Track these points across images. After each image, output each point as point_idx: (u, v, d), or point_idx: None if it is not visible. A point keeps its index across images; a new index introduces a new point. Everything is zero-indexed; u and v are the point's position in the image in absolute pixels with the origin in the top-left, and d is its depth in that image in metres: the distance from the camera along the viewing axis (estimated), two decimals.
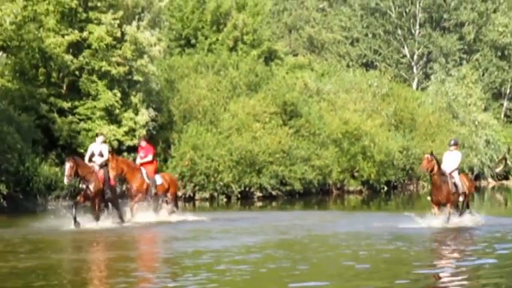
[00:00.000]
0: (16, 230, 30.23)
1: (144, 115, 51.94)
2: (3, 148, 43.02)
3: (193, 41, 68.52)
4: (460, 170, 31.71)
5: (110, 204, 31.30)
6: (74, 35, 50.05)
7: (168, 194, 34.26)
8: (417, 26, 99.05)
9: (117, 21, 50.97)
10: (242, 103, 59.70)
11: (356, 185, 67.56)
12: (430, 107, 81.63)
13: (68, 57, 49.75)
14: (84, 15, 50.93)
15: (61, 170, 47.73)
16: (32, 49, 49.23)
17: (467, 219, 30.55)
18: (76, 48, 50.48)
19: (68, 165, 28.54)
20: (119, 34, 51.26)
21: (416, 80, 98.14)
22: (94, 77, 50.54)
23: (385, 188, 69.36)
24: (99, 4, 51.04)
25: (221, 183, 55.55)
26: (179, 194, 55.46)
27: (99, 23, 50.64)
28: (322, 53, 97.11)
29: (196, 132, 56.07)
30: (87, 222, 29.43)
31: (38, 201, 45.37)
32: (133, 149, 51.36)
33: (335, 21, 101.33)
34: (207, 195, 55.36)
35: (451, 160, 30.02)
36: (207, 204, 52.41)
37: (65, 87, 50.67)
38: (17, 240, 26.15)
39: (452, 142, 31.01)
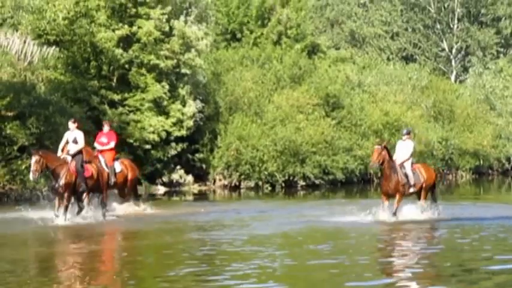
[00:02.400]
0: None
1: (192, 107, 51.86)
2: (56, 138, 42.89)
3: (238, 35, 68.37)
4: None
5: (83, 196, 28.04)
6: (124, 30, 50.10)
7: (128, 181, 31.92)
8: (455, 21, 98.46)
9: (166, 16, 50.95)
10: (286, 95, 59.45)
11: None
12: (468, 99, 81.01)
13: (118, 51, 49.78)
14: (134, 10, 50.88)
15: None
16: (84, 43, 49.35)
17: (419, 212, 28.87)
18: (126, 42, 50.46)
19: (33, 160, 25.74)
20: (167, 28, 51.22)
21: (454, 72, 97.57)
22: (143, 70, 50.49)
23: None
24: (147, 0, 50.93)
25: (266, 173, 55.34)
26: (225, 183, 55.76)
27: (148, 18, 50.63)
28: (364, 47, 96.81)
29: (242, 123, 55.91)
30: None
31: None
32: (181, 139, 51.54)
33: (376, 15, 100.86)
34: (252, 184, 55.25)
35: (403, 150, 28.63)
36: (252, 193, 52.16)
37: (115, 80, 50.61)
38: None
39: (405, 131, 29.65)
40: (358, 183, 60.76)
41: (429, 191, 29.29)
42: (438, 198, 29.94)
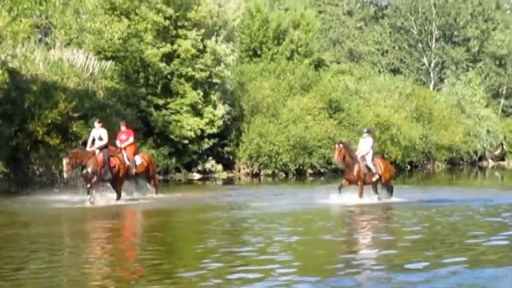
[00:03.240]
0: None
1: (221, 109, 51.90)
2: (112, 134, 42.87)
3: (259, 52, 68.14)
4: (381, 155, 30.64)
5: (109, 183, 27.63)
6: (166, 48, 50.01)
7: (149, 172, 30.93)
8: (433, 41, 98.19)
9: (200, 37, 50.76)
10: (297, 100, 59.34)
11: None
12: (443, 104, 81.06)
13: (162, 65, 49.74)
14: (175, 32, 50.76)
15: (157, 152, 47.96)
16: (134, 58, 49.41)
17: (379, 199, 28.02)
18: (168, 57, 50.30)
19: (64, 162, 25.18)
20: (201, 47, 51.02)
21: (432, 82, 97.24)
22: (182, 80, 50.43)
23: (409, 167, 68.98)
24: (186, 23, 50.79)
25: (280, 163, 55.34)
26: (248, 171, 55.67)
27: (186, 38, 50.45)
28: (360, 62, 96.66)
29: (261, 123, 55.81)
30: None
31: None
32: (213, 136, 51.58)
33: (369, 36, 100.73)
34: (269, 172, 55.32)
35: (364, 146, 28.06)
36: (270, 179, 52.17)
37: (159, 88, 50.56)
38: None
39: (365, 130, 29.12)
40: None
41: (387, 182, 28.62)
42: (392, 188, 29.07)
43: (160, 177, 47.41)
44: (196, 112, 50.68)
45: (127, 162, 27.98)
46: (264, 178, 52.91)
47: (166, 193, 32.68)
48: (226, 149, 54.70)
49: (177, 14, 50.52)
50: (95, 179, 25.29)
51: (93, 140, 26.73)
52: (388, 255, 13.85)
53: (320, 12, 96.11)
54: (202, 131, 50.81)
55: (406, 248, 15.11)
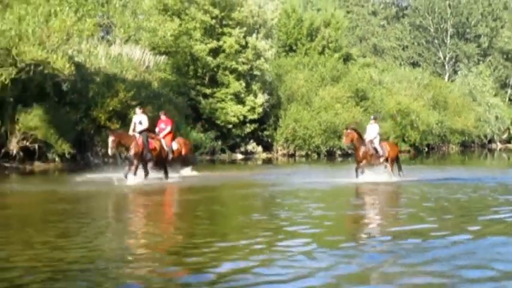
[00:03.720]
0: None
1: (261, 98, 51.71)
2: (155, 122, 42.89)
3: (294, 48, 67.60)
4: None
5: (149, 164, 26.44)
6: (213, 44, 49.79)
7: (184, 154, 29.64)
8: (448, 37, 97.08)
9: (242, 34, 50.44)
10: (328, 90, 58.91)
11: (406, 146, 66.64)
12: (457, 93, 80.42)
13: (209, 59, 49.53)
14: (220, 30, 50.49)
15: (205, 136, 47.85)
16: (185, 53, 49.32)
17: (385, 177, 27.39)
18: (214, 52, 50.06)
19: (110, 139, 24.36)
20: (243, 43, 50.73)
21: (447, 74, 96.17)
22: (226, 72, 50.26)
23: (426, 149, 68.56)
24: (230, 22, 50.52)
25: (313, 145, 54.95)
26: (284, 152, 55.38)
27: (230, 35, 50.17)
28: (383, 56, 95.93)
29: (296, 110, 55.45)
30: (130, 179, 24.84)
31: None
32: (254, 121, 51.49)
33: (391, 33, 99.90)
34: (303, 153, 55.00)
35: (371, 131, 27.53)
36: (303, 159, 51.91)
37: (207, 79, 50.41)
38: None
39: (372, 117, 28.59)
40: None
41: (395, 162, 28.05)
42: (402, 167, 28.35)
43: (207, 157, 47.37)
44: (239, 100, 50.56)
45: (165, 148, 27.48)
46: (299, 158, 52.66)
47: (213, 171, 32.43)
48: (266, 132, 54.56)
49: (222, 14, 50.25)
50: (136, 161, 24.83)
51: (135, 124, 26.28)
52: (416, 228, 13.37)
53: (348, 12, 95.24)
54: (245, 117, 50.77)
55: (426, 220, 14.59)
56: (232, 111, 49.58)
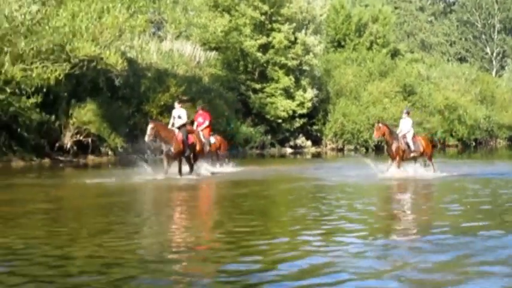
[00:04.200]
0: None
1: (310, 93, 51.35)
2: (216, 114, 42.75)
3: (342, 43, 66.95)
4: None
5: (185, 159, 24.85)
6: (262, 39, 49.48)
7: (220, 151, 29.19)
8: (495, 33, 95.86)
9: (292, 30, 50.05)
10: (376, 85, 58.30)
11: (453, 141, 65.91)
12: (504, 88, 79.43)
13: (259, 54, 49.22)
14: (270, 26, 50.14)
15: (254, 130, 47.57)
16: (235, 49, 49.06)
17: (421, 172, 26.46)
18: (264, 48, 49.74)
19: (149, 127, 23.18)
20: (292, 38, 50.36)
21: (495, 69, 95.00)
22: (276, 67, 49.93)
23: (474, 144, 67.58)
24: (279, 18, 50.12)
25: (361, 139, 54.31)
26: (333, 146, 54.91)
27: (280, 31, 49.78)
28: (430, 51, 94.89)
29: (345, 105, 54.98)
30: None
31: (239, 150, 45.08)
32: (303, 116, 51.24)
33: (439, 29, 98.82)
34: (352, 147, 54.46)
35: (404, 125, 26.56)
36: (352, 153, 51.30)
37: (256, 74, 50.12)
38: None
39: (404, 111, 27.47)
40: None
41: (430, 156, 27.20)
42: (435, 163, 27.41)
43: (257, 152, 47.08)
44: (289, 95, 50.23)
45: (203, 140, 26.90)
46: (347, 152, 52.12)
47: (263, 165, 32.03)
48: (315, 127, 54.22)
49: (272, 10, 49.88)
50: (175, 156, 24.00)
51: (174, 119, 25.53)
52: (466, 224, 12.81)
53: (396, 8, 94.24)
54: (294, 111, 50.44)
55: (469, 216, 14.01)
56: (282, 106, 49.31)
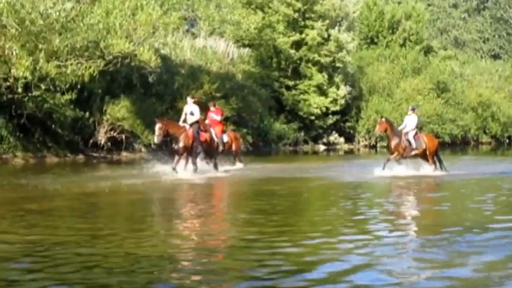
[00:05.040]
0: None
1: (343, 90, 50.97)
2: (250, 111, 42.55)
3: (375, 40, 66.26)
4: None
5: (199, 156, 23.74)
6: (296, 36, 49.12)
7: (233, 148, 27.59)
8: None
9: (325, 27, 49.57)
10: (409, 82, 57.71)
11: (487, 138, 65.15)
12: None
13: (292, 51, 48.92)
14: (303, 23, 49.73)
15: (288, 127, 47.20)
16: (268, 46, 48.79)
17: (426, 170, 25.55)
18: (297, 45, 49.38)
19: (157, 127, 22.01)
20: (325, 35, 49.88)
21: None
22: (309, 64, 49.57)
23: (507, 140, 66.69)
24: (312, 15, 49.71)
25: None
26: (366, 143, 54.37)
27: (313, 28, 49.33)
28: (463, 48, 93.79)
29: (378, 101, 54.61)
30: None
31: (272, 147, 44.78)
32: (336, 113, 50.80)
33: (473, 26, 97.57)
34: (385, 144, 53.49)
35: (409, 122, 25.63)
36: (384, 150, 50.81)
37: (289, 71, 49.73)
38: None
39: (410, 108, 26.63)
40: (459, 144, 58.99)
41: (434, 155, 26.22)
42: (442, 160, 26.46)
43: (290, 148, 46.69)
44: (322, 92, 49.80)
45: (215, 140, 25.80)
46: (380, 149, 51.53)
47: (295, 162, 31.58)
48: (348, 124, 53.85)
49: (305, 7, 49.41)
50: (185, 153, 22.89)
51: (186, 115, 24.30)
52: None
53: (429, 5, 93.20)
54: (327, 108, 50.08)
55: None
56: (315, 103, 48.92)
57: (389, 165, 24.09)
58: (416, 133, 25.26)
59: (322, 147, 50.42)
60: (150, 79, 36.88)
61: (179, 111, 36.70)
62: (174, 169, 21.88)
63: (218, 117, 26.75)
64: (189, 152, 22.55)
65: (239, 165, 27.53)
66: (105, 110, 33.59)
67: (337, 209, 14.15)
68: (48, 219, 12.33)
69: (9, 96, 29.32)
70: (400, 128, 25.08)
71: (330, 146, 51.29)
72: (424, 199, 17.14)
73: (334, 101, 50.14)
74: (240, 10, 47.79)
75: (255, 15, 48.46)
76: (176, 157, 22.36)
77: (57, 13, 29.41)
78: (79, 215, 13.23)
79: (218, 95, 38.95)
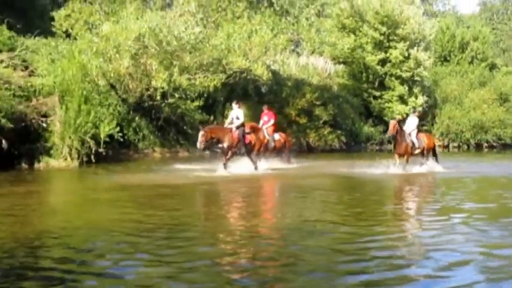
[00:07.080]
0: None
1: (421, 99, 48.82)
2: (344, 116, 41.66)
3: (448, 58, 63.83)
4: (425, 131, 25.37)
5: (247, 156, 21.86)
6: (381, 55, 47.41)
7: (286, 148, 24.97)
8: None
9: (406, 47, 47.62)
10: (476, 93, 54.99)
11: None
12: None
13: (378, 67, 47.27)
14: (387, 44, 47.88)
15: (374, 130, 45.80)
16: (359, 63, 47.45)
17: (424, 168, 22.22)
18: (383, 62, 47.66)
19: (200, 134, 20.18)
20: (406, 54, 47.94)
21: None
22: (392, 78, 47.77)
23: None
24: (395, 38, 47.80)
25: (464, 138, 51.52)
26: (439, 144, 52.03)
27: (396, 48, 47.51)
28: None
29: (450, 109, 52.13)
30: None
31: (362, 146, 43.71)
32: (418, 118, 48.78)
33: None
34: (456, 144, 51.75)
35: (410, 123, 23.22)
36: (455, 150, 48.94)
37: (376, 84, 48.11)
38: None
39: (412, 110, 24.52)
40: None
41: (430, 152, 23.92)
42: (438, 158, 24.12)
43: (377, 148, 45.26)
44: (403, 101, 48.08)
45: (267, 137, 24.02)
46: (452, 149, 49.67)
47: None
48: (425, 128, 51.70)
49: (389, 31, 47.70)
50: (230, 153, 21.28)
51: (232, 119, 22.60)
52: None
53: (493, 28, 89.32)
54: (407, 114, 47.97)
55: None
56: (397, 110, 47.21)
57: (403, 165, 22.09)
58: (417, 133, 23.49)
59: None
60: (263, 90, 36.57)
61: (286, 116, 36.35)
62: (224, 165, 20.46)
63: (271, 120, 24.85)
64: (234, 151, 21.01)
65: (292, 164, 24.58)
66: (227, 114, 33.24)
67: (421, 203, 12.88)
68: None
69: (150, 102, 29.84)
70: (404, 128, 23.27)
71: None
72: (496, 197, 15.49)
73: (413, 108, 48.26)
74: (336, 33, 47.05)
75: (348, 37, 47.35)
76: (223, 156, 20.80)
77: (188, 36, 30.15)
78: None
79: (318, 103, 38.64)
